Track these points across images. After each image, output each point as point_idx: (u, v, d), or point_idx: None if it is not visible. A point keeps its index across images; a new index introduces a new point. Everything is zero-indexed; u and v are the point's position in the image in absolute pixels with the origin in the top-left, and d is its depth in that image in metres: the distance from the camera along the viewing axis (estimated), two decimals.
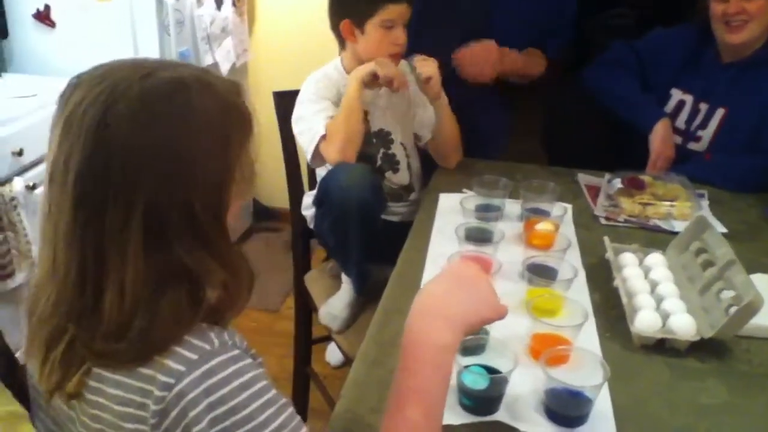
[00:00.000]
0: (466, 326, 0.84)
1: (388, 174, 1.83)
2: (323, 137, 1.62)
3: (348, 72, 1.73)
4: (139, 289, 0.73)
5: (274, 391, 0.75)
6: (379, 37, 1.66)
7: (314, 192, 1.74)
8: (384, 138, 1.81)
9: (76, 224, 0.73)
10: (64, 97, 0.76)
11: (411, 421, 0.77)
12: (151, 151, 0.73)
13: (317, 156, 1.65)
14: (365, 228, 1.57)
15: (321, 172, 1.76)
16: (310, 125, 1.66)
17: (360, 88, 1.62)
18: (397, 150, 1.83)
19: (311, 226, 1.81)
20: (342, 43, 1.75)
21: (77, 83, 0.76)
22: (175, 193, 0.74)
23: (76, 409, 0.77)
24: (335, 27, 1.72)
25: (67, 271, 0.75)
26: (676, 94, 2.01)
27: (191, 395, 0.70)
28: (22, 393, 0.85)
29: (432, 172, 1.89)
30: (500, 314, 0.88)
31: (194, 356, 0.72)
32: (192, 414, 0.70)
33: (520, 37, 2.08)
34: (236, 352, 0.75)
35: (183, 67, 0.80)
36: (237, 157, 0.79)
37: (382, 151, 1.81)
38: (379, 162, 1.81)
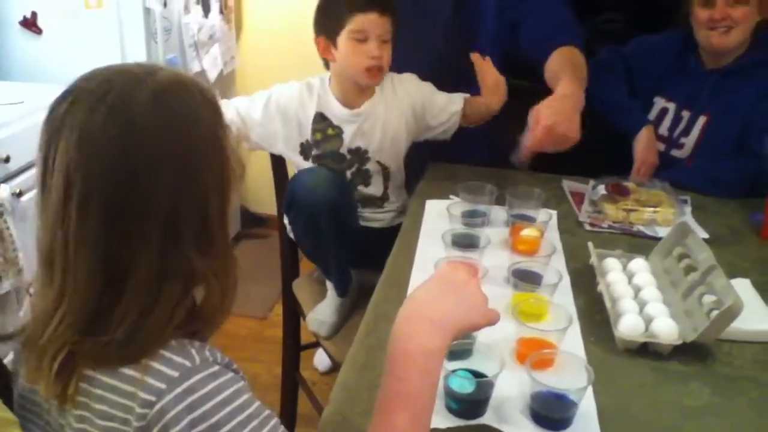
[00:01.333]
0: (454, 331, 0.83)
1: (360, 187, 1.80)
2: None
3: (332, 86, 1.73)
4: (146, 290, 0.74)
5: (257, 404, 0.76)
6: (351, 49, 1.63)
7: None
8: (360, 155, 1.78)
9: (101, 233, 0.73)
10: (59, 116, 0.75)
11: (398, 427, 0.77)
12: (171, 151, 0.74)
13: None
14: (337, 227, 1.58)
15: None
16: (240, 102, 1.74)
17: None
18: (371, 166, 1.79)
19: (291, 235, 1.81)
20: (326, 62, 1.74)
21: (73, 99, 0.75)
22: (195, 193, 0.75)
23: (66, 422, 0.77)
24: (315, 45, 1.71)
25: (90, 279, 0.74)
26: (659, 102, 2.04)
27: (173, 412, 0.71)
28: (11, 401, 0.85)
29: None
30: (490, 320, 0.89)
31: (175, 374, 0.73)
32: (174, 431, 0.71)
33: (492, 31, 1.99)
34: (216, 368, 0.75)
35: (164, 69, 0.80)
36: (229, 154, 0.81)
37: (356, 166, 1.78)
38: (349, 177, 1.78)
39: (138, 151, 0.73)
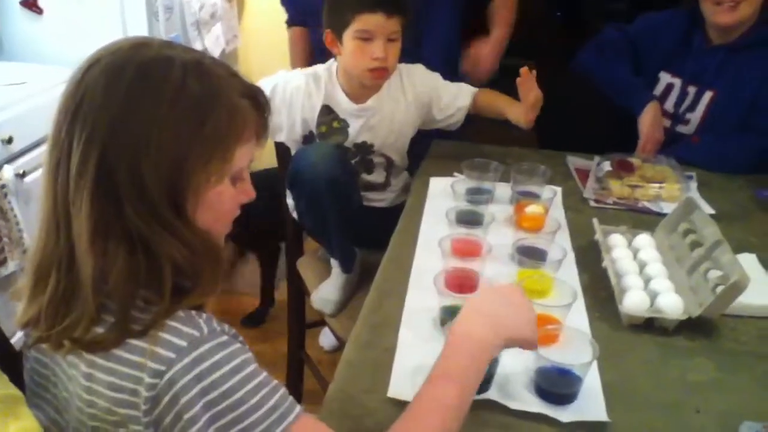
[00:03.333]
0: (506, 335, 0.88)
1: (363, 174, 1.80)
2: None
3: (339, 79, 1.70)
4: (90, 240, 0.74)
5: (264, 374, 0.76)
6: (355, 49, 1.59)
7: None
8: (365, 149, 1.77)
9: (49, 168, 0.76)
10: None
11: (441, 401, 0.81)
12: (115, 104, 0.75)
13: None
14: (339, 202, 1.57)
15: None
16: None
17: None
18: (375, 158, 1.79)
19: (294, 214, 1.81)
20: (332, 53, 1.70)
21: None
22: (124, 154, 0.74)
23: (73, 393, 0.78)
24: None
25: (44, 218, 0.78)
26: (665, 78, 2.02)
27: (182, 381, 0.71)
28: (18, 378, 0.86)
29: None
30: (535, 342, 0.92)
31: (183, 343, 0.73)
32: (184, 400, 0.71)
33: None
34: (225, 338, 0.76)
35: (195, 53, 0.82)
36: (210, 148, 0.78)
37: (359, 157, 1.78)
38: (352, 164, 1.77)
39: (86, 92, 0.75)
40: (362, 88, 1.70)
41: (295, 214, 1.80)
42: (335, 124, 1.71)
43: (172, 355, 0.72)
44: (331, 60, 1.74)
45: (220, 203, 0.81)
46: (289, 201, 1.82)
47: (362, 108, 1.71)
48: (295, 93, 1.70)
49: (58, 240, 0.77)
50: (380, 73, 1.64)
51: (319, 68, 1.73)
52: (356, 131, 1.72)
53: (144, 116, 0.75)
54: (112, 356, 0.74)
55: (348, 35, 1.59)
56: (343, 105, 1.71)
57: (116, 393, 0.74)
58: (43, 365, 0.84)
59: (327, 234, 1.67)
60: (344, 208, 1.60)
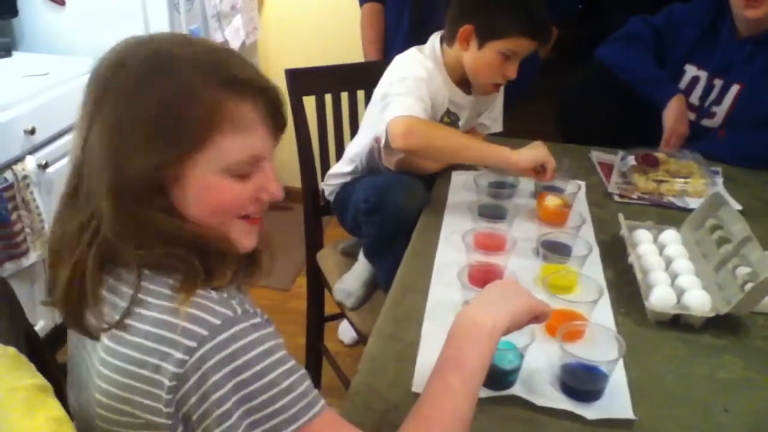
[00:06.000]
0: (508, 315, 0.89)
1: None
2: (410, 117, 1.47)
3: (448, 70, 1.63)
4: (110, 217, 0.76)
5: (293, 362, 0.76)
6: (494, 62, 1.54)
7: (344, 165, 1.73)
8: None
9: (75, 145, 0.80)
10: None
11: (450, 385, 0.82)
12: (96, 99, 0.77)
13: (388, 129, 1.49)
14: (408, 240, 1.47)
15: (356, 150, 1.71)
16: (407, 100, 1.50)
17: (526, 167, 1.48)
18: None
19: (330, 197, 1.79)
20: (451, 40, 1.61)
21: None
22: (108, 145, 0.76)
23: (92, 370, 0.78)
24: (456, 22, 1.58)
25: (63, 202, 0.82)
26: (690, 70, 1.99)
27: (213, 360, 0.70)
28: (45, 368, 0.86)
29: None
30: (535, 307, 0.93)
31: (217, 321, 0.72)
32: (213, 379, 0.70)
33: None
34: (258, 320, 0.76)
35: (195, 43, 0.81)
36: (172, 142, 0.75)
37: None
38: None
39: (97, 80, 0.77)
40: (467, 85, 1.67)
41: (330, 196, 1.78)
42: (446, 119, 1.68)
43: (204, 332, 0.71)
44: (428, 60, 1.63)
45: (208, 197, 0.79)
46: (332, 182, 1.77)
47: (472, 99, 1.70)
48: (433, 95, 1.60)
49: (74, 220, 0.78)
50: (498, 89, 1.65)
51: (423, 68, 1.59)
52: (465, 122, 1.72)
53: (112, 105, 0.76)
54: (139, 331, 0.73)
55: (494, 46, 1.53)
56: (458, 99, 1.67)
57: (137, 368, 0.73)
58: (74, 345, 0.85)
59: (384, 258, 1.60)
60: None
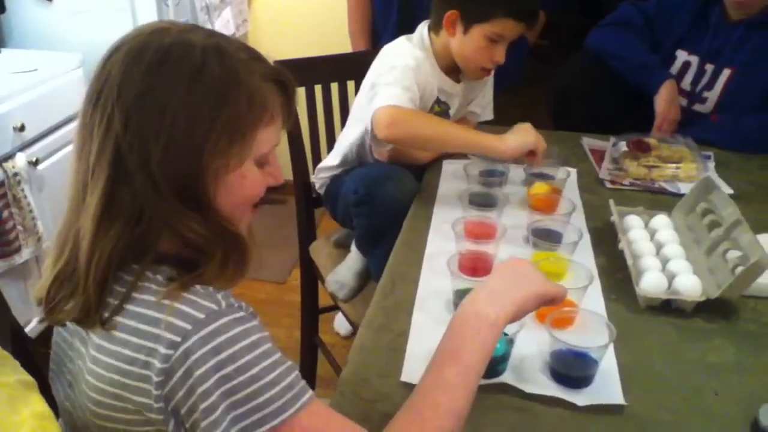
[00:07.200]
0: (512, 303, 0.86)
1: None
2: (395, 107, 1.45)
3: (437, 58, 1.62)
4: (96, 220, 0.75)
5: (280, 354, 0.75)
6: (481, 46, 1.53)
7: (334, 158, 1.72)
8: None
9: (76, 151, 0.78)
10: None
11: (446, 378, 0.80)
12: (132, 89, 0.74)
13: (374, 117, 1.47)
14: (399, 230, 1.46)
15: (346, 142, 1.69)
16: (393, 90, 1.48)
17: (513, 155, 1.49)
18: None
19: (321, 190, 1.79)
20: (438, 27, 1.60)
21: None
22: (138, 139, 0.74)
23: (82, 368, 0.78)
24: (441, 8, 1.57)
25: (69, 197, 0.79)
26: (682, 55, 1.98)
27: (198, 354, 0.70)
28: (30, 365, 0.86)
29: None
30: (548, 290, 0.90)
31: (201, 315, 0.72)
32: (198, 373, 0.70)
33: None
34: (242, 313, 0.75)
35: (217, 37, 0.82)
36: (228, 132, 0.77)
37: None
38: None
39: (111, 74, 0.76)
40: (456, 73, 1.66)
41: (321, 189, 1.78)
42: (437, 108, 1.68)
43: (188, 326, 0.71)
44: (416, 49, 1.61)
45: (242, 187, 0.81)
46: (322, 176, 1.77)
47: (461, 86, 1.69)
48: (422, 85, 1.58)
49: (77, 220, 0.78)
50: (488, 73, 1.63)
51: (412, 57, 1.57)
52: (455, 110, 1.71)
53: (159, 100, 0.74)
54: (126, 328, 0.74)
55: (480, 30, 1.52)
56: (447, 87, 1.66)
57: (127, 365, 0.73)
58: (63, 339, 0.85)
59: (375, 248, 1.59)
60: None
